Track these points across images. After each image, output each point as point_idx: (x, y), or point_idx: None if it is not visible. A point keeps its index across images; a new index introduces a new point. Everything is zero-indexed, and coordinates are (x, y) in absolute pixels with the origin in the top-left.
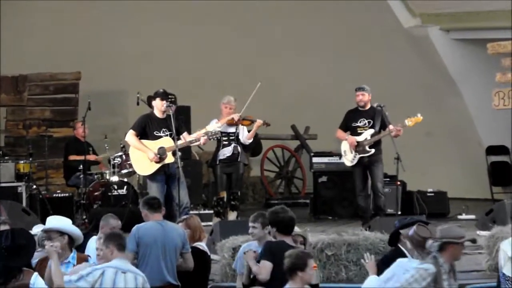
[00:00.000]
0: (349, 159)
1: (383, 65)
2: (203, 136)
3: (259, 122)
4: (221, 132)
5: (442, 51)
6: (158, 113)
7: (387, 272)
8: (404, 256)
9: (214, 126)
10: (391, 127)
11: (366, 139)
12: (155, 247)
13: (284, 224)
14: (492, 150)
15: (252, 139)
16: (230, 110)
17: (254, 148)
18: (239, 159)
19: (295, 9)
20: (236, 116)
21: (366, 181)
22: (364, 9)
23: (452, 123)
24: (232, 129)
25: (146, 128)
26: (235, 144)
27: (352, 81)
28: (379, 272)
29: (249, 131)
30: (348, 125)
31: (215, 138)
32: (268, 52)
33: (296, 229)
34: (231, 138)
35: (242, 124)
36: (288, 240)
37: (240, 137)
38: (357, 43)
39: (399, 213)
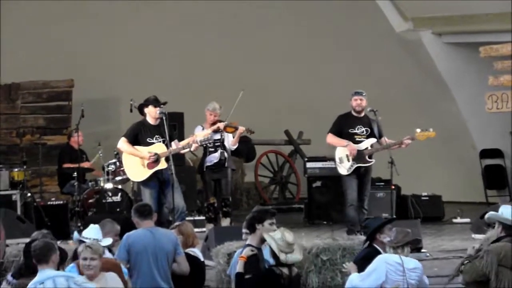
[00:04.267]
0: (346, 167)
1: (375, 70)
2: (194, 143)
3: (241, 129)
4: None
5: (435, 55)
6: (151, 120)
7: (369, 267)
8: (380, 253)
9: (203, 133)
10: (385, 138)
11: (367, 148)
12: (146, 254)
13: None
14: (486, 153)
15: (236, 144)
16: (214, 118)
17: (248, 153)
18: (226, 165)
19: (286, 14)
20: (221, 125)
21: (358, 192)
22: (356, 14)
23: (445, 127)
24: (217, 136)
25: (139, 136)
26: (222, 150)
27: (345, 86)
28: (359, 269)
29: (233, 137)
30: (344, 131)
31: (207, 144)
32: (260, 58)
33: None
34: (216, 144)
35: (225, 131)
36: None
37: (226, 143)
38: (349, 48)
39: (394, 217)
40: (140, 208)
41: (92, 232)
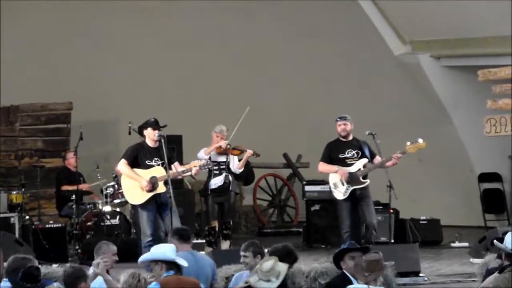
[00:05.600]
0: (341, 191)
1: (374, 93)
2: (195, 166)
3: (249, 152)
4: (212, 162)
5: (433, 78)
6: (150, 142)
7: None
8: (349, 281)
9: (199, 162)
10: (378, 158)
11: (359, 169)
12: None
13: None
14: (484, 177)
15: (242, 168)
16: (221, 140)
17: (246, 177)
18: (230, 188)
19: (286, 36)
20: (223, 144)
21: (354, 217)
22: (355, 37)
23: (443, 150)
24: (222, 158)
25: (138, 158)
26: (226, 173)
27: (344, 109)
28: None
29: (239, 160)
30: (334, 157)
31: (207, 169)
32: (259, 80)
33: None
34: (221, 167)
35: (232, 154)
36: None
37: (231, 166)
38: (348, 71)
39: (392, 241)
40: (180, 231)
41: (170, 251)
